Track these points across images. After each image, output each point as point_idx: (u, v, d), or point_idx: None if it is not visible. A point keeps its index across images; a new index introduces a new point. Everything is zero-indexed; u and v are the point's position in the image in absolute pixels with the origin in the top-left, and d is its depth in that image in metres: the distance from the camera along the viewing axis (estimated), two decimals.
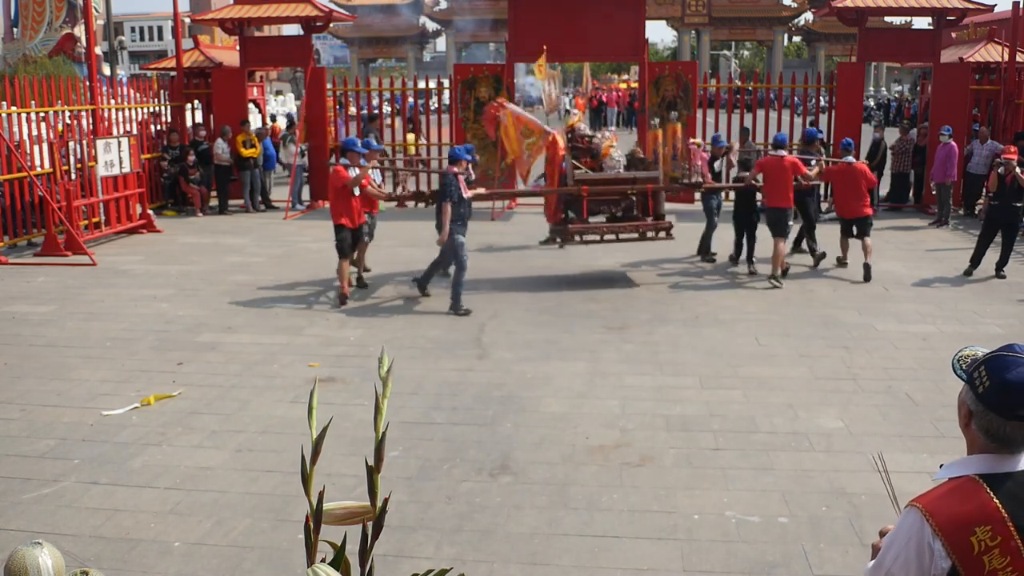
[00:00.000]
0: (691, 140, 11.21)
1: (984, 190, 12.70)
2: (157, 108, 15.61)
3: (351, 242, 9.21)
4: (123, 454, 5.35)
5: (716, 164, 11.31)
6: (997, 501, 1.76)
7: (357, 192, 9.12)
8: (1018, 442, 1.81)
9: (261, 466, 5.18)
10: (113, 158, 12.46)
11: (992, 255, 10.10)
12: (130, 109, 14.62)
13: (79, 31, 19.31)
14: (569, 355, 7.25)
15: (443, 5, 57.69)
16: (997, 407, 1.79)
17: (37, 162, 12.35)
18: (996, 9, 15.62)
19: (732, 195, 11.06)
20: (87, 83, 13.37)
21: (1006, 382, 1.78)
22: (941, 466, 1.93)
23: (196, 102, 16.63)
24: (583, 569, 4.07)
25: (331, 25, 18.57)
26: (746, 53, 77.41)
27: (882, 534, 2.09)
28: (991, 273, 10.00)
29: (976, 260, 10.10)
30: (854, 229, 10.30)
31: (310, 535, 1.79)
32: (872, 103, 39.39)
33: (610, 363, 7.05)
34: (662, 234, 9.94)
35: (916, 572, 1.81)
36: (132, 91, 14.83)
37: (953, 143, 13.55)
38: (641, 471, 5.09)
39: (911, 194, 15.50)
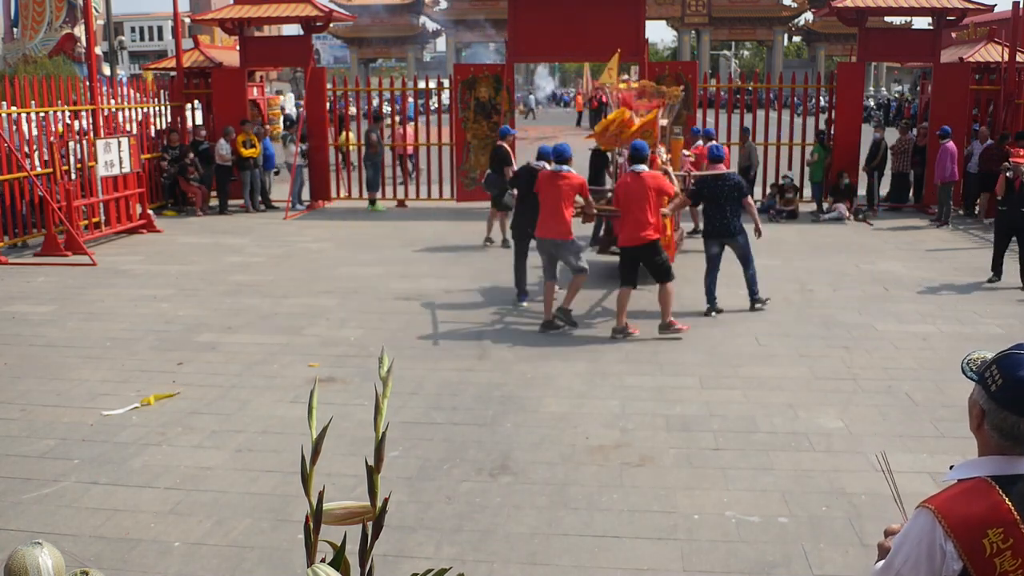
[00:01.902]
0: (685, 153, 11.33)
1: (994, 194, 12.66)
2: (158, 107, 15.61)
3: None
4: (123, 454, 5.35)
5: None
6: (1009, 503, 1.76)
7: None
8: None
9: (261, 466, 5.18)
10: (113, 158, 12.46)
11: (1010, 262, 9.81)
12: (130, 109, 14.63)
13: (79, 31, 19.32)
14: (569, 355, 7.25)
15: (443, 5, 57.72)
16: (1011, 404, 1.79)
17: (35, 162, 12.36)
18: (996, 9, 15.62)
19: None
20: (87, 83, 13.37)
21: (1019, 379, 1.78)
22: (951, 467, 1.92)
23: (196, 102, 16.64)
24: (583, 569, 4.07)
25: (331, 25, 18.57)
26: (746, 53, 77.43)
27: (887, 533, 2.08)
28: (1013, 284, 9.56)
29: (997, 269, 9.71)
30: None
31: (310, 535, 1.79)
32: (872, 103, 39.41)
33: (610, 363, 7.05)
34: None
35: (927, 573, 1.80)
36: (132, 91, 14.83)
37: (950, 143, 13.52)
38: (641, 471, 5.09)
39: (911, 194, 15.51)
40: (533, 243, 8.56)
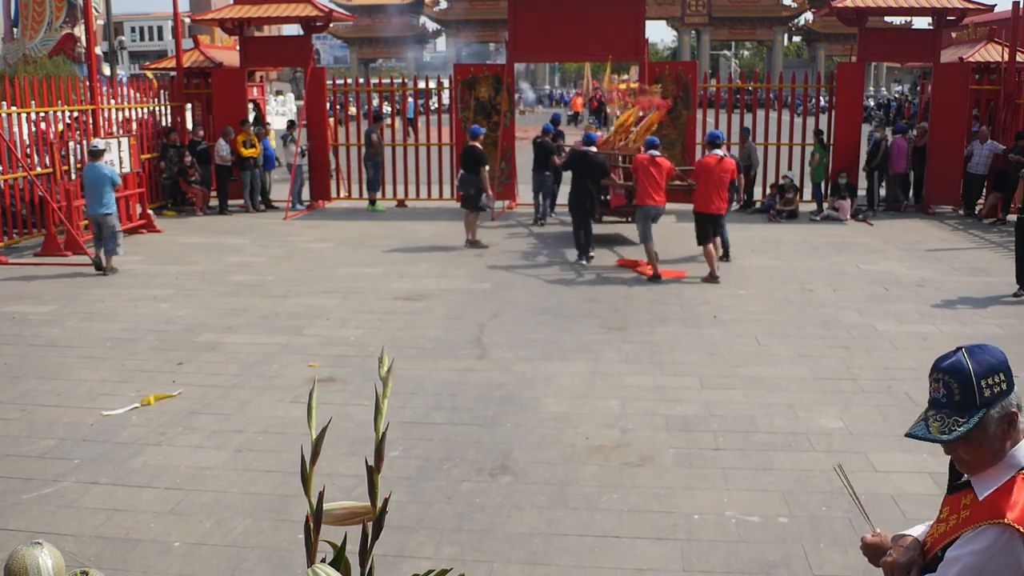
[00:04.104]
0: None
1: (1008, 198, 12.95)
2: (157, 107, 15.60)
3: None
4: (123, 454, 5.35)
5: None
6: None
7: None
8: None
9: (261, 466, 5.18)
10: (113, 158, 12.45)
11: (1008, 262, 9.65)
12: (130, 109, 14.62)
13: (79, 31, 19.33)
14: (569, 355, 7.25)
15: (443, 5, 57.76)
16: (1013, 382, 1.84)
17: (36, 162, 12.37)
18: (996, 9, 15.62)
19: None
20: (87, 83, 13.37)
21: (1006, 363, 1.87)
22: (965, 480, 1.91)
23: (195, 103, 16.64)
24: (583, 569, 4.07)
25: (331, 25, 18.56)
26: (746, 53, 77.53)
27: (867, 544, 2.08)
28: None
29: (1022, 279, 9.17)
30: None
31: (310, 535, 1.79)
32: (872, 103, 39.43)
33: (610, 363, 7.05)
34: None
35: None
36: (132, 91, 14.83)
37: (898, 139, 14.81)
38: (641, 471, 5.09)
39: (911, 194, 15.51)
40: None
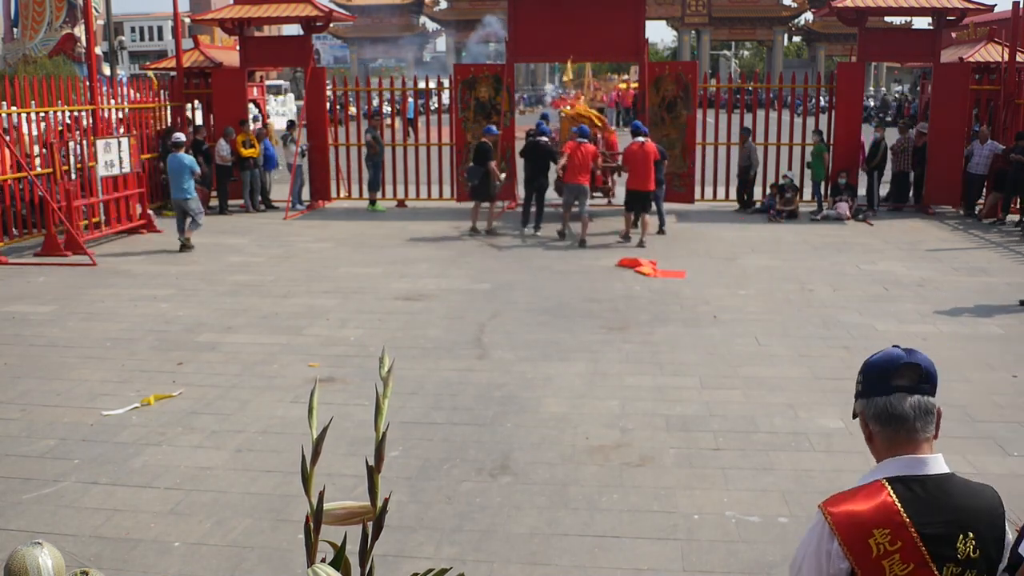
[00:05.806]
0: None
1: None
2: (158, 108, 15.59)
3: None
4: (123, 454, 5.35)
5: None
6: (899, 505, 1.74)
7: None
8: (910, 416, 1.83)
9: (261, 466, 5.18)
10: (113, 158, 12.46)
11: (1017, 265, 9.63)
12: (130, 109, 14.61)
13: (79, 31, 19.32)
14: (569, 355, 7.25)
15: (443, 5, 57.76)
16: (875, 390, 1.85)
17: (36, 162, 12.37)
18: (996, 9, 15.61)
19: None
20: (87, 83, 13.36)
21: (869, 364, 1.88)
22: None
23: (196, 102, 16.63)
24: (583, 569, 4.07)
25: (331, 25, 18.56)
26: (746, 53, 77.55)
27: None
28: (1009, 281, 9.54)
29: None
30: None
31: (310, 535, 1.79)
32: (872, 103, 39.43)
33: (610, 363, 7.05)
34: None
35: (816, 572, 1.81)
36: (132, 91, 14.82)
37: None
38: (641, 471, 5.09)
39: (911, 194, 15.51)
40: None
